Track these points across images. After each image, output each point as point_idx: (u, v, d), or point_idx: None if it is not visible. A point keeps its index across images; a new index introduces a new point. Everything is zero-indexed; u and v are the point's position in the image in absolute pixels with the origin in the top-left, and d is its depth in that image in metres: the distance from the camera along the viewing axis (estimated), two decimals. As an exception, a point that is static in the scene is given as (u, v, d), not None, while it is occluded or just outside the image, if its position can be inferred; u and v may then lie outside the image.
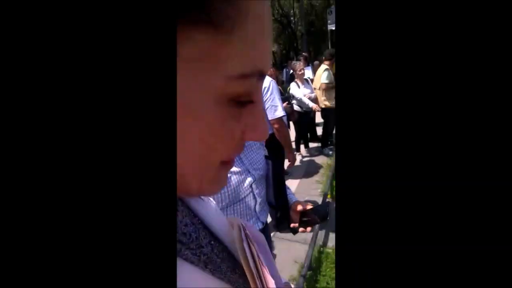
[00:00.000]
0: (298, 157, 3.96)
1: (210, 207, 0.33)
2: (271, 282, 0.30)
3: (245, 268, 0.30)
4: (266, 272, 0.31)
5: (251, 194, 1.12)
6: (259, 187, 1.15)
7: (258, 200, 1.15)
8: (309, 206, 1.11)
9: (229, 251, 0.31)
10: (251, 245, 0.31)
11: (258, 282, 0.30)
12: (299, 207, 1.10)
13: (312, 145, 4.40)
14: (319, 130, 4.39)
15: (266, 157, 1.21)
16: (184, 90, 0.18)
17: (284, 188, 1.20)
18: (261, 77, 0.22)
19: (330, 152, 4.05)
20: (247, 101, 0.22)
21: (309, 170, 3.70)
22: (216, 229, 0.30)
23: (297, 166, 3.76)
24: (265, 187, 1.18)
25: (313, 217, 1.06)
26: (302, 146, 4.25)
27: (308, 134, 4.33)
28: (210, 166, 0.23)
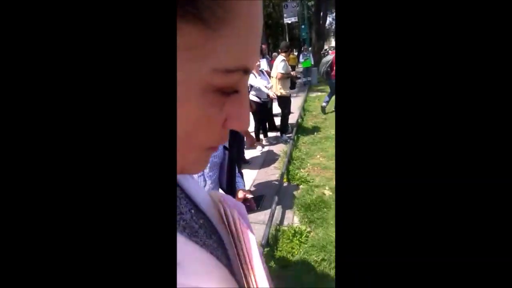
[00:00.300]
0: (258, 147, 4.11)
1: (193, 181, 0.36)
2: (249, 243, 0.33)
3: (224, 231, 0.34)
4: (246, 235, 0.34)
5: (202, 176, 1.31)
6: (212, 171, 1.35)
7: (208, 182, 1.34)
8: (249, 195, 1.42)
9: (208, 219, 0.33)
10: (231, 211, 0.35)
11: (238, 243, 0.32)
12: (241, 194, 1.40)
13: (270, 134, 4.57)
14: (277, 121, 4.57)
15: (225, 147, 1.38)
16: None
17: (234, 175, 1.42)
18: (246, 72, 0.22)
19: (288, 139, 4.25)
20: (231, 92, 0.22)
21: (268, 158, 3.86)
22: (196, 199, 0.33)
23: (257, 155, 3.91)
24: (220, 173, 1.40)
25: (252, 203, 1.37)
26: (261, 136, 4.41)
27: (267, 124, 4.49)
28: (193, 150, 0.24)
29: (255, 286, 0.32)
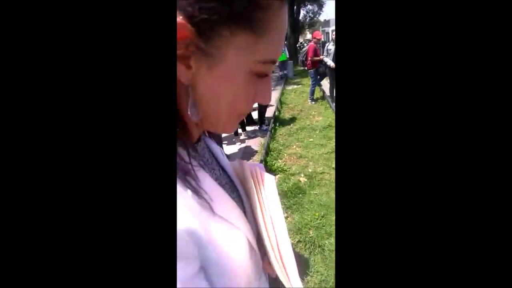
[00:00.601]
0: (237, 143, 4.20)
1: (220, 150, 0.49)
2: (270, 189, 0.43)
3: (243, 192, 0.45)
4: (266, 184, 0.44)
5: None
6: None
7: None
8: None
9: (231, 179, 0.46)
10: (255, 168, 0.46)
11: (260, 191, 0.42)
12: None
13: (249, 128, 4.66)
14: (254, 115, 4.67)
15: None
16: (232, 63, 0.30)
17: None
18: (274, 63, 0.33)
19: (267, 130, 4.36)
20: (263, 76, 0.33)
21: (246, 151, 3.95)
22: (223, 163, 0.47)
23: (235, 151, 3.99)
24: None
25: None
26: (240, 130, 4.49)
27: (244, 118, 4.57)
28: (231, 115, 0.35)
29: (273, 232, 0.41)
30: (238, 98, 0.33)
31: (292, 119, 4.99)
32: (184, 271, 0.29)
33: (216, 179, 0.39)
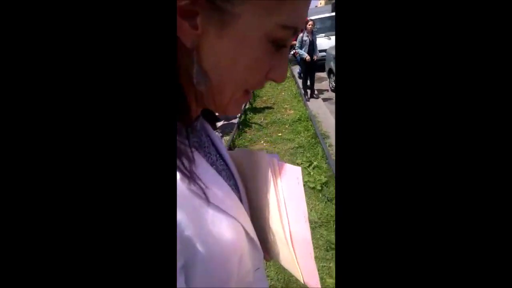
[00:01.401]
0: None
1: (219, 138, 0.44)
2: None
3: (240, 181, 0.42)
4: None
5: None
6: None
7: None
8: None
9: (228, 166, 0.42)
10: (271, 159, 0.41)
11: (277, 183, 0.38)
12: None
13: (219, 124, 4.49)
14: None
15: None
16: (248, 24, 0.25)
17: None
18: (295, 32, 0.28)
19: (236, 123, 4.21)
20: (281, 46, 0.28)
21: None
22: (221, 151, 0.42)
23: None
24: None
25: None
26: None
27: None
28: (236, 90, 0.30)
29: (287, 226, 0.37)
30: (251, 68, 0.28)
31: (264, 113, 4.86)
32: None
33: (212, 164, 0.35)
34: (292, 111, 4.74)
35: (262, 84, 0.31)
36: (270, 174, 0.39)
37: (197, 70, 0.27)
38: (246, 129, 4.23)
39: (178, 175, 0.27)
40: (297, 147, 3.35)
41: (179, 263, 0.27)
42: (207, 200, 0.30)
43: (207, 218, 0.30)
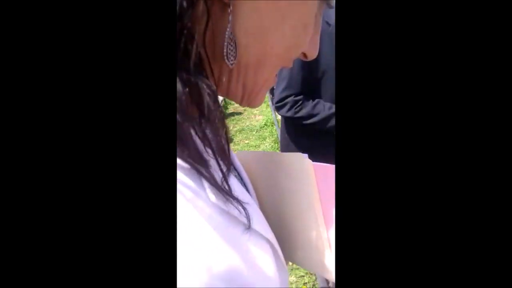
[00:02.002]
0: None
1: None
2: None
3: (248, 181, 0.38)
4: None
5: None
6: None
7: None
8: None
9: (236, 169, 0.36)
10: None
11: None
12: None
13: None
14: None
15: None
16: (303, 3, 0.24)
17: None
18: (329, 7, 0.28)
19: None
20: (318, 16, 0.27)
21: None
22: (234, 161, 0.36)
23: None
24: None
25: None
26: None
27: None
28: (278, 66, 0.26)
29: (324, 227, 0.34)
30: (298, 34, 0.24)
31: (234, 120, 4.99)
32: None
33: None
34: (260, 117, 4.90)
35: (291, 63, 0.28)
36: (307, 176, 0.34)
37: (230, 34, 0.22)
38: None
39: (213, 196, 0.22)
40: (262, 154, 3.52)
41: None
42: (248, 226, 0.23)
43: (249, 251, 0.24)
